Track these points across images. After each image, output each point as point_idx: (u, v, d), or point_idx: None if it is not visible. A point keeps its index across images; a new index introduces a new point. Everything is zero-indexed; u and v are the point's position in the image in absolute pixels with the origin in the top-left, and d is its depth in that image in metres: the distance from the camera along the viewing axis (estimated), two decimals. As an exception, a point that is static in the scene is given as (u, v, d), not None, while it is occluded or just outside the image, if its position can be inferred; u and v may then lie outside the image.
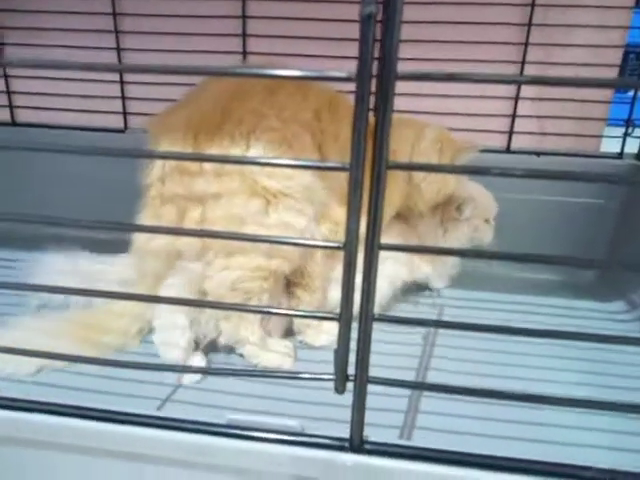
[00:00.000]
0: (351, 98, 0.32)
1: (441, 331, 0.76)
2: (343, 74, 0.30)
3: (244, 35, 0.97)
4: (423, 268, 0.83)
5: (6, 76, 1.00)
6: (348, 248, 0.33)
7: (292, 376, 0.44)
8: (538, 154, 0.99)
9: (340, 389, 0.38)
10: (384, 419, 0.57)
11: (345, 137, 0.69)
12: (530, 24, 0.93)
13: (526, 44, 0.94)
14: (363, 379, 0.37)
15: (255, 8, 0.96)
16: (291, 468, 0.41)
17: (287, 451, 0.40)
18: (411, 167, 0.37)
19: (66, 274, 0.75)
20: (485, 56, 0.95)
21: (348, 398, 0.40)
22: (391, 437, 0.53)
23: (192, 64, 0.97)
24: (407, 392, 0.63)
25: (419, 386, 0.39)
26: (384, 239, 0.74)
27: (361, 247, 0.35)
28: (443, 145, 0.78)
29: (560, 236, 0.97)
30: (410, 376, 0.67)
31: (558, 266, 0.94)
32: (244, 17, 0.96)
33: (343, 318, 0.35)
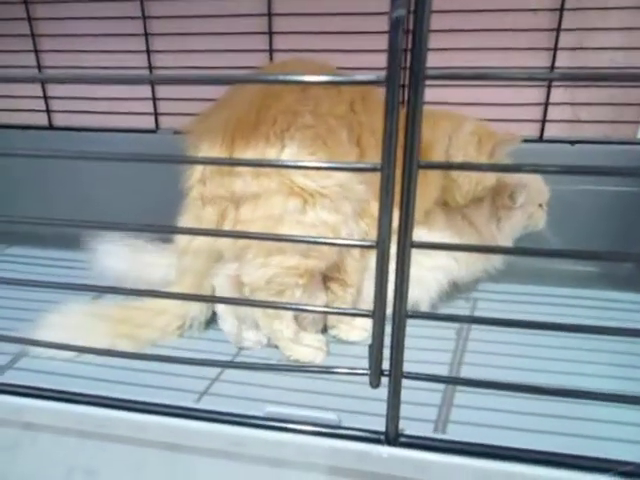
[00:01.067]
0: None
1: (475, 325, 0.76)
2: (373, 77, 0.31)
3: (270, 33, 0.97)
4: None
5: (39, 68, 1.04)
6: (380, 246, 0.34)
7: (328, 370, 0.46)
8: (572, 143, 0.96)
9: (375, 383, 0.39)
10: (419, 413, 0.57)
11: (381, 129, 0.69)
12: (562, 9, 0.91)
13: (558, 29, 0.92)
14: (397, 374, 0.38)
15: (280, 5, 0.96)
16: (328, 460, 0.42)
17: (324, 443, 0.41)
18: (443, 166, 0.37)
19: (123, 263, 0.79)
20: (516, 44, 0.93)
21: (383, 392, 0.41)
22: (426, 430, 0.54)
23: (220, 64, 0.99)
24: (441, 386, 0.63)
25: (452, 381, 0.40)
26: (428, 231, 0.73)
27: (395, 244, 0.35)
28: (482, 138, 0.77)
29: (597, 226, 0.94)
30: (444, 370, 0.67)
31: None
32: (270, 15, 0.96)
33: (377, 315, 0.36)
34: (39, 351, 0.68)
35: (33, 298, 0.74)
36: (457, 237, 0.81)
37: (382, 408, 0.41)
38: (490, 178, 0.80)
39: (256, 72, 0.73)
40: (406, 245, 0.33)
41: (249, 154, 0.64)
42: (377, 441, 0.40)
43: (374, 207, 0.71)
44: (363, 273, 0.74)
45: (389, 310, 0.37)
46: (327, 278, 0.73)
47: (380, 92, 0.72)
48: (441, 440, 0.40)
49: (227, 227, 0.67)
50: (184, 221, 0.70)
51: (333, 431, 0.41)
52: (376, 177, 0.68)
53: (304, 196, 0.65)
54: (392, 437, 0.40)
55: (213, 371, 0.66)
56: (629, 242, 0.93)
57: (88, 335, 0.67)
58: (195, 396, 0.63)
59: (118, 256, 0.80)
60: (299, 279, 0.66)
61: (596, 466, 0.37)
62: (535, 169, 0.31)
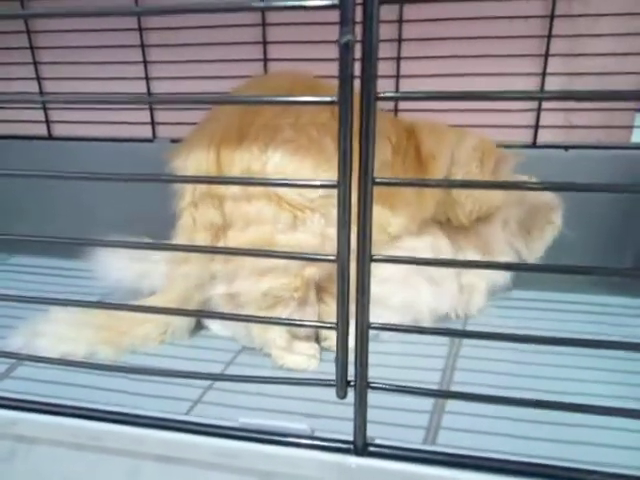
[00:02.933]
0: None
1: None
2: (327, 98, 0.32)
3: (264, 42, 0.99)
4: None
5: (42, 92, 1.07)
6: (340, 261, 0.35)
7: (295, 382, 0.46)
8: (566, 148, 0.97)
9: (341, 394, 0.39)
10: (409, 420, 0.57)
11: None
12: (553, 15, 0.91)
13: (549, 36, 0.93)
14: (363, 385, 0.38)
15: (274, 16, 0.98)
16: (300, 469, 0.43)
17: (296, 453, 0.42)
18: (399, 183, 0.37)
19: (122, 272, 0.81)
20: (506, 51, 0.94)
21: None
22: (418, 438, 0.55)
23: (215, 74, 1.00)
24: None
25: (419, 392, 0.40)
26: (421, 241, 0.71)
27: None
28: (484, 154, 0.78)
29: (592, 233, 0.94)
30: (436, 378, 0.67)
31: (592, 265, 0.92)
32: (264, 25, 0.98)
33: (340, 327, 0.37)
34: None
35: (27, 307, 0.76)
36: (455, 251, 0.81)
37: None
38: (497, 198, 0.80)
39: (237, 87, 0.74)
40: (365, 259, 0.34)
41: (234, 171, 0.65)
42: (346, 451, 0.41)
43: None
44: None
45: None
46: (320, 289, 0.73)
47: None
48: (409, 449, 0.41)
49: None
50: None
51: (303, 441, 0.42)
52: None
53: (294, 212, 0.65)
54: (360, 447, 0.41)
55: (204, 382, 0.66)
56: (625, 249, 0.93)
57: (71, 342, 0.70)
58: (188, 404, 0.63)
59: (118, 264, 0.82)
60: (295, 292, 0.67)
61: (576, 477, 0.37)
62: (530, 186, 0.31)
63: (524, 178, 0.85)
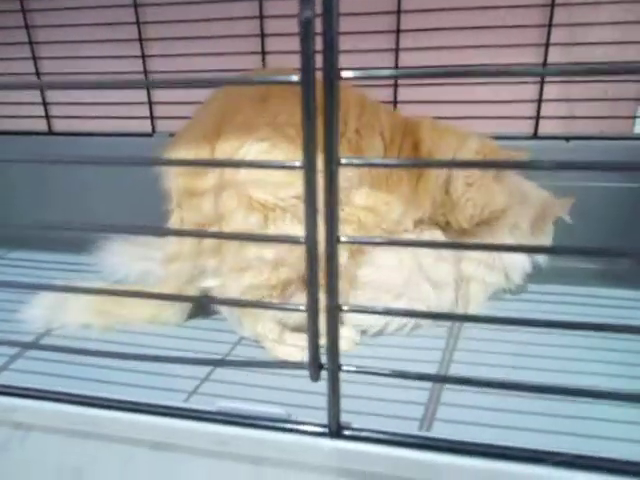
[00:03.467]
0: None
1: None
2: (289, 78, 0.32)
3: (262, 35, 0.99)
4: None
5: (42, 89, 1.08)
6: (309, 243, 0.35)
7: (268, 364, 0.46)
8: (567, 139, 0.95)
9: (314, 377, 0.39)
10: (406, 411, 0.58)
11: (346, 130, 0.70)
12: (553, 4, 0.90)
13: (550, 25, 0.91)
14: (335, 368, 0.38)
15: (272, 8, 0.98)
16: (277, 453, 0.43)
17: (272, 437, 0.42)
18: (363, 164, 0.37)
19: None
20: (507, 41, 0.93)
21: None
22: (412, 429, 0.55)
23: (214, 67, 1.01)
24: (428, 384, 0.62)
25: (395, 375, 0.40)
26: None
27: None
28: (486, 157, 0.76)
29: (597, 223, 0.93)
30: (433, 369, 0.67)
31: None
32: (261, 17, 0.98)
33: (310, 310, 0.37)
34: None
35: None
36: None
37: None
38: (500, 201, 0.78)
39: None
40: (332, 240, 0.34)
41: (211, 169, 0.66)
42: (321, 434, 0.41)
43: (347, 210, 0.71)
44: (349, 280, 0.72)
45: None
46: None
47: (344, 92, 0.74)
48: (385, 432, 0.41)
49: (206, 249, 0.69)
50: (168, 246, 0.73)
51: (279, 425, 0.42)
52: (347, 177, 0.69)
53: (264, 212, 0.66)
54: (334, 430, 0.41)
55: (204, 370, 0.67)
56: (630, 239, 0.91)
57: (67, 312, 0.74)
58: (184, 395, 0.63)
59: (120, 262, 0.84)
60: (272, 291, 0.68)
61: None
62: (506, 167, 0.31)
63: (526, 181, 0.85)
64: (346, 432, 0.41)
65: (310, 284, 0.36)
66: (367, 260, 0.73)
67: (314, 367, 0.39)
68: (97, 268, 0.86)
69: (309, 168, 0.33)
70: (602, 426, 0.56)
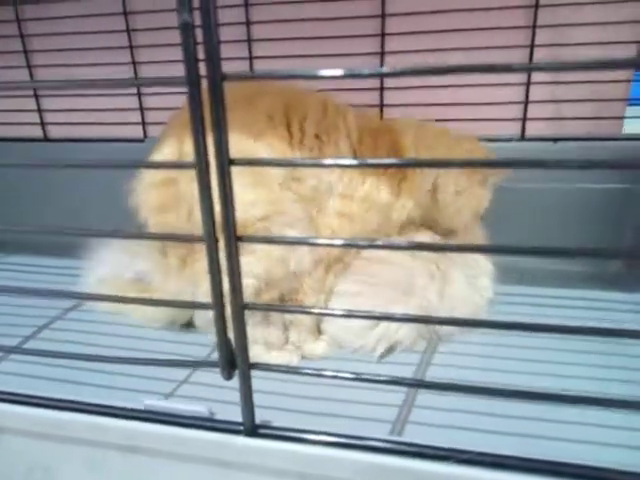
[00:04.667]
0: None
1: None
2: (179, 79, 0.33)
3: (249, 40, 1.00)
4: None
5: (37, 96, 1.11)
6: (208, 240, 0.35)
7: (184, 364, 0.47)
8: (555, 140, 0.94)
9: (225, 375, 0.40)
10: (379, 414, 0.58)
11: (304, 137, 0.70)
12: (537, 5, 0.89)
13: (534, 27, 0.90)
14: (245, 365, 0.39)
15: (257, 14, 0.99)
16: (199, 450, 0.43)
17: (194, 435, 0.43)
18: (252, 162, 0.37)
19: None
20: (491, 43, 0.92)
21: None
22: (383, 432, 0.55)
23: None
24: (403, 388, 0.63)
25: (301, 373, 0.40)
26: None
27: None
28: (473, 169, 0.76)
29: (583, 225, 0.91)
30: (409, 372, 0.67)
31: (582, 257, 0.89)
32: (248, 23, 0.99)
33: (216, 308, 0.37)
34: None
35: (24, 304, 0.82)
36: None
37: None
38: (484, 203, 0.79)
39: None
40: (231, 238, 0.35)
41: (183, 178, 0.65)
42: (237, 432, 0.42)
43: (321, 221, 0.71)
44: (324, 294, 0.72)
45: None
46: (286, 299, 0.70)
47: (302, 98, 0.73)
48: (302, 431, 0.41)
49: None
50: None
51: (198, 423, 0.43)
52: (318, 192, 0.69)
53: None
54: (249, 428, 0.41)
55: (182, 373, 0.65)
56: (617, 241, 0.89)
57: None
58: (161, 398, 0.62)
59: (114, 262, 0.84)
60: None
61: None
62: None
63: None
64: (262, 431, 0.41)
65: (212, 282, 0.36)
66: (347, 272, 0.73)
67: (225, 365, 0.39)
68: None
69: (200, 167, 0.33)
70: (579, 430, 0.54)
